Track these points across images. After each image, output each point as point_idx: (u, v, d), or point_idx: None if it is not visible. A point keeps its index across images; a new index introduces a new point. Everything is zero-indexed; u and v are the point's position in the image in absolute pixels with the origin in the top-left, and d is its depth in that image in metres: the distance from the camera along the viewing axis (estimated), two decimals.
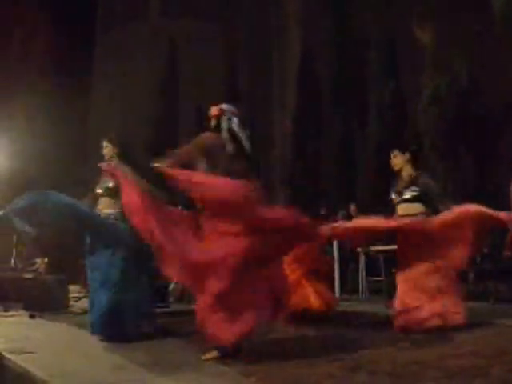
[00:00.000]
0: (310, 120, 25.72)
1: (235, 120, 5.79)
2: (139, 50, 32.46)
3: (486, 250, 11.76)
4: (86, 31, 22.91)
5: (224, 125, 5.75)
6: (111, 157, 7.14)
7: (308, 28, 29.05)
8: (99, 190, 6.99)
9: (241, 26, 34.86)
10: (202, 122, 26.22)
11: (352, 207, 13.65)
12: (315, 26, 27.87)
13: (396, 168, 7.54)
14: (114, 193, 6.71)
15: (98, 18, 29.52)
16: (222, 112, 5.83)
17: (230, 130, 5.73)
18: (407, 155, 7.49)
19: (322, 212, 13.47)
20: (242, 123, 5.86)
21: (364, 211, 13.23)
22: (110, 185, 6.79)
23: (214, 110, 5.88)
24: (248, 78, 32.70)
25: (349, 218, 12.89)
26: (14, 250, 12.33)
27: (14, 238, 12.36)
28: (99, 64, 28.44)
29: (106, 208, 6.90)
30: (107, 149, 7.20)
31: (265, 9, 34.02)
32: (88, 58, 23.49)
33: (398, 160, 7.52)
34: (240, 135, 5.74)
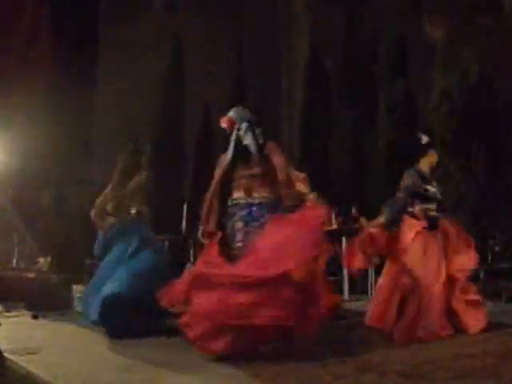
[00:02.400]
0: (319, 117, 25.74)
1: (243, 126, 5.77)
2: (143, 45, 32.48)
3: (497, 249, 11.76)
4: (88, 27, 22.85)
5: (232, 138, 5.77)
6: None
7: (317, 24, 29.11)
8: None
9: (248, 21, 34.92)
10: (208, 119, 25.98)
11: (353, 211, 13.41)
12: (324, 22, 27.93)
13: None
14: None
15: (101, 13, 29.50)
16: (231, 123, 5.81)
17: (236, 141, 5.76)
18: None
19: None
20: (251, 121, 5.85)
21: (374, 209, 13.16)
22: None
23: (223, 122, 5.85)
24: (255, 75, 32.75)
25: (354, 220, 12.87)
26: (16, 249, 12.32)
27: (16, 236, 12.36)
28: (102, 60, 28.39)
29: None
30: None
31: (273, 4, 34.08)
32: (91, 55, 23.41)
33: None
34: (247, 139, 5.74)
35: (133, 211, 7.22)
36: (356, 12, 25.92)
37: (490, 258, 11.68)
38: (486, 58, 19.05)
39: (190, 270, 5.61)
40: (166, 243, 11.36)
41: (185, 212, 12.64)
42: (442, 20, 20.08)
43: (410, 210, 6.98)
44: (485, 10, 18.90)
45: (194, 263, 11.14)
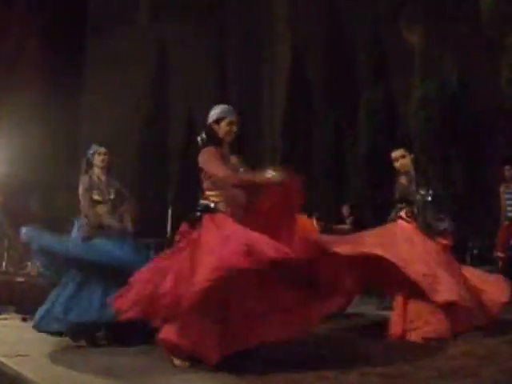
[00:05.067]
0: (300, 121, 25.77)
1: None
2: (129, 53, 32.44)
3: (475, 252, 11.83)
4: (76, 35, 22.86)
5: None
6: (107, 165, 7.27)
7: (298, 30, 29.16)
8: (99, 197, 7.11)
9: (231, 28, 34.93)
10: (192, 125, 26.02)
11: (345, 208, 13.43)
12: (305, 27, 27.96)
13: (405, 169, 7.09)
14: (114, 202, 7.12)
15: (88, 21, 29.42)
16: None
17: None
18: (412, 155, 7.19)
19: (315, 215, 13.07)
20: None
21: (355, 211, 13.28)
22: (113, 196, 7.10)
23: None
24: (238, 80, 32.75)
25: (341, 219, 12.93)
26: (5, 254, 12.35)
27: (6, 241, 12.40)
28: (89, 68, 28.37)
29: (107, 215, 7.10)
30: (106, 157, 7.29)
31: (255, 11, 34.10)
32: (78, 63, 23.42)
33: (408, 160, 7.14)
34: None
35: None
36: (336, 19, 25.98)
37: (468, 261, 11.76)
38: (464, 63, 19.14)
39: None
40: (152, 246, 11.42)
41: (169, 215, 12.70)
42: (420, 27, 20.17)
43: None
44: (463, 17, 18.99)
45: None
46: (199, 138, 5.78)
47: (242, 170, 5.58)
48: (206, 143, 5.68)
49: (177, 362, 5.05)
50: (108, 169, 7.26)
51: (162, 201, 24.58)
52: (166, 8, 34.66)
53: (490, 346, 5.51)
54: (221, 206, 5.40)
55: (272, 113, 31.40)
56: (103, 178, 7.21)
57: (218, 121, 5.71)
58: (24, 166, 15.67)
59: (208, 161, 5.51)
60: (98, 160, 7.19)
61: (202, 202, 5.49)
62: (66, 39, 20.39)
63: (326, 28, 26.41)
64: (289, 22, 31.18)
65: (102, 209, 7.08)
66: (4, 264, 12.22)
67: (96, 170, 7.21)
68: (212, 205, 5.41)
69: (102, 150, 7.24)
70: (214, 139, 5.68)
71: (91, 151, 7.24)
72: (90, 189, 7.07)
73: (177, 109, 30.16)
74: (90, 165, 7.24)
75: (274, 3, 33.68)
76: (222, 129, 5.69)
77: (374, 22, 23.09)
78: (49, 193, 17.41)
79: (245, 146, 29.50)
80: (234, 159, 5.72)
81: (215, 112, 5.77)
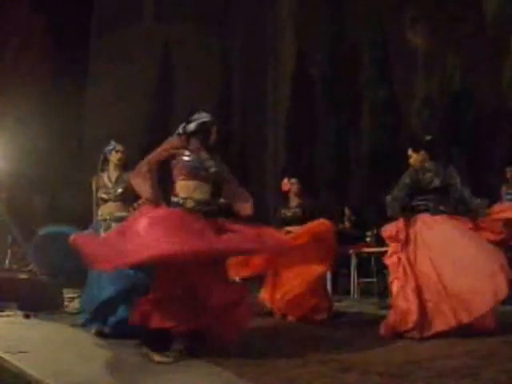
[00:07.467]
0: (304, 122, 25.72)
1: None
2: (133, 52, 32.44)
3: None
4: (80, 33, 22.92)
5: None
6: (123, 163, 7.39)
7: (302, 31, 29.11)
8: (105, 196, 7.22)
9: (235, 29, 34.89)
10: None
11: (346, 211, 13.42)
12: (310, 29, 27.92)
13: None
14: (124, 197, 7.21)
15: (93, 20, 29.43)
16: None
17: None
18: (422, 153, 7.27)
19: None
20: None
21: (358, 213, 13.29)
22: (120, 190, 7.21)
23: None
24: (242, 81, 32.72)
25: (349, 221, 12.97)
26: (8, 251, 12.37)
27: (9, 238, 12.42)
28: (94, 66, 28.39)
29: (118, 211, 7.19)
30: (124, 155, 7.40)
31: (260, 12, 34.06)
32: (82, 61, 23.45)
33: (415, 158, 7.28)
34: None
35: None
36: (340, 19, 25.93)
37: None
38: (467, 63, 19.10)
39: None
40: None
41: None
42: (424, 27, 20.14)
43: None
44: (467, 17, 18.95)
45: None
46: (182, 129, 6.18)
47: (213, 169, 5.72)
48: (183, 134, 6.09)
49: (157, 357, 5.12)
50: (124, 166, 7.36)
51: (164, 197, 24.57)
52: (171, 6, 34.65)
53: (490, 346, 5.51)
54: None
55: (276, 113, 31.37)
56: (115, 174, 7.36)
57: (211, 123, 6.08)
58: (27, 162, 15.67)
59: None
60: (114, 157, 7.37)
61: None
62: (70, 37, 20.41)
63: (330, 28, 26.33)
64: (293, 23, 31.15)
65: (111, 206, 7.23)
66: (7, 261, 12.25)
67: (111, 167, 7.34)
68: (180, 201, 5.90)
69: (120, 147, 7.42)
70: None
71: (110, 147, 7.42)
72: (97, 190, 7.28)
73: (181, 108, 30.15)
74: (106, 160, 7.37)
75: (278, 4, 33.65)
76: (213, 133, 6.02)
77: (377, 22, 23.02)
78: (52, 189, 17.41)
79: (249, 143, 29.62)
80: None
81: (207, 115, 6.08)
